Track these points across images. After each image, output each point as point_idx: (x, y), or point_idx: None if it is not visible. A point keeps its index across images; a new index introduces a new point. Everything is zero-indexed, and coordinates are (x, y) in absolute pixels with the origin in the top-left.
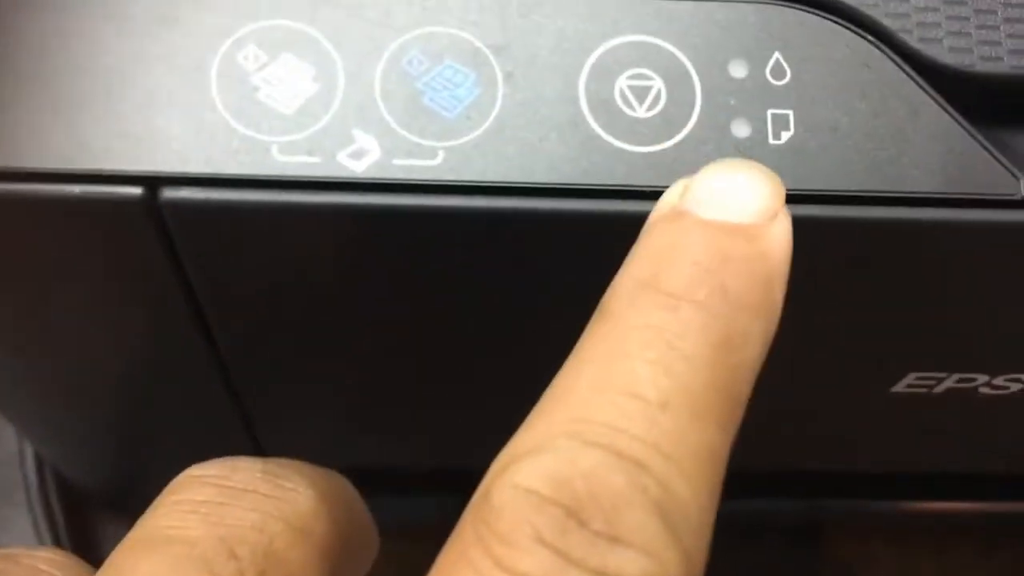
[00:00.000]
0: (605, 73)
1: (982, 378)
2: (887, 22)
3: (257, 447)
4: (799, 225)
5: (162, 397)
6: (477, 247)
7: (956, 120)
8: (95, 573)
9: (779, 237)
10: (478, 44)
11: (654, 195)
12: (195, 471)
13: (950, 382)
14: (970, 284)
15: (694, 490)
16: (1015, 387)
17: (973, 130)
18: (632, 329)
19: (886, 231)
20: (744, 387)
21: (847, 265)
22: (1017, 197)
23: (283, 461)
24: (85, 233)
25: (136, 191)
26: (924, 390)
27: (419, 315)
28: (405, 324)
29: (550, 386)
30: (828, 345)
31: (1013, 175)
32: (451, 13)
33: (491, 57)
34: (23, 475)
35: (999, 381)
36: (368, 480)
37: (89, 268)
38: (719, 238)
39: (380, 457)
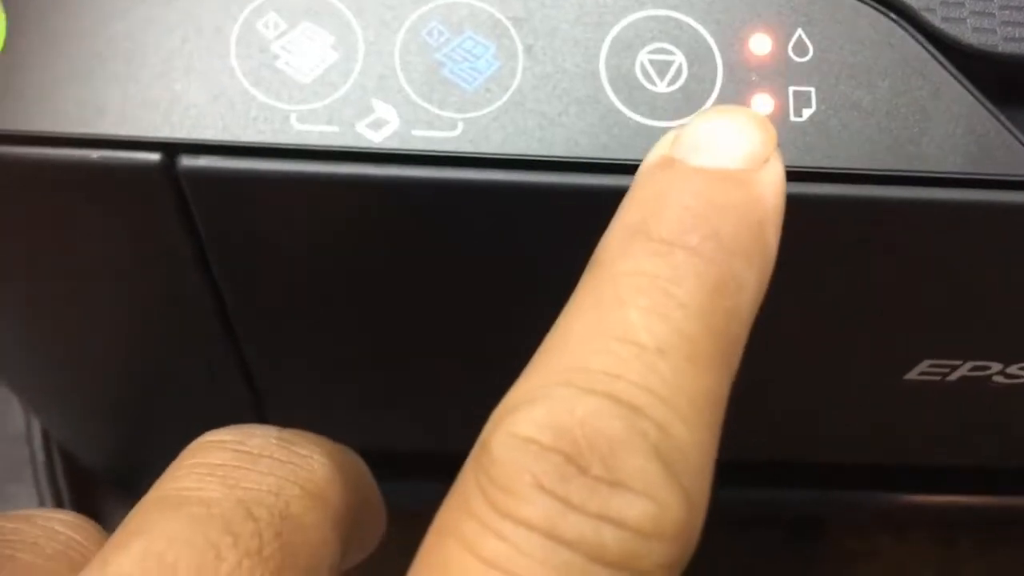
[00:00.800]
0: (626, 47)
1: (996, 366)
2: (911, 0)
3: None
4: (819, 204)
5: (173, 371)
6: (495, 220)
7: (978, 100)
8: (111, 536)
9: (771, 182)
10: (498, 16)
11: None
12: (211, 436)
13: (964, 370)
14: (989, 268)
15: (693, 433)
16: None
17: (995, 110)
18: (625, 276)
19: (906, 211)
20: (740, 331)
21: (865, 245)
22: None
23: (297, 431)
24: (102, 198)
25: (154, 157)
26: (937, 378)
27: (436, 289)
28: (422, 298)
29: (546, 337)
30: (844, 327)
31: None
32: None
33: (511, 29)
34: (31, 452)
35: (1013, 370)
36: (376, 464)
37: (104, 233)
38: (710, 184)
39: (394, 441)
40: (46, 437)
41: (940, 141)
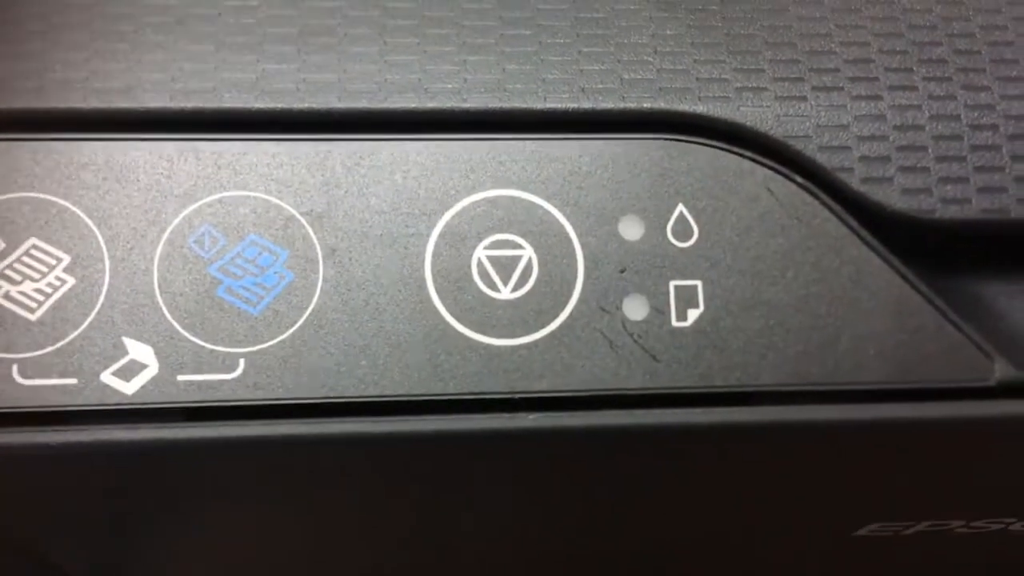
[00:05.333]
0: (459, 241)
1: (957, 523)
2: (821, 158)
3: None
4: (713, 434)
5: None
6: (288, 477)
7: (913, 286)
8: None
9: None
10: (291, 211)
11: (522, 404)
12: None
13: (921, 527)
14: (933, 469)
15: None
16: (995, 527)
17: (935, 297)
18: None
19: (828, 433)
20: None
21: (787, 463)
22: (991, 383)
23: None
24: None
25: None
26: (891, 533)
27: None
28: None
29: None
30: (779, 514)
31: (985, 354)
32: (254, 170)
33: (308, 228)
34: None
35: (978, 524)
36: None
37: None
38: None
39: None
40: None
41: (865, 343)
